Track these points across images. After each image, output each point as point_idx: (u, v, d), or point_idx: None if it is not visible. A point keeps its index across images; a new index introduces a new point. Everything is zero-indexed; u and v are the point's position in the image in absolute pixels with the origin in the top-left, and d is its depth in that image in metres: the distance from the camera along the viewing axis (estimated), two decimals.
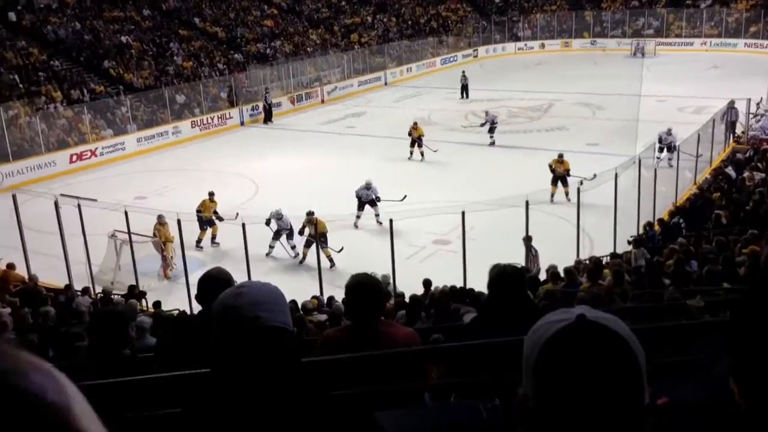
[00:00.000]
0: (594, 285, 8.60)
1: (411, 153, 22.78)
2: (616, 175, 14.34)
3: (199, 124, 28.76)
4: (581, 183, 14.19)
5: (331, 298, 11.99)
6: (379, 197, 16.85)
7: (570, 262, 11.73)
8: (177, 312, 11.71)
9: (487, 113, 25.34)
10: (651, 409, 1.02)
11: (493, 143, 24.35)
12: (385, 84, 38.70)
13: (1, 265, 13.75)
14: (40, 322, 9.24)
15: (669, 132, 20.41)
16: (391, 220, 13.28)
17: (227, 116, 29.94)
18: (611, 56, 44.45)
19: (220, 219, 16.25)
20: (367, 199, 16.76)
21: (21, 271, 13.76)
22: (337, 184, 20.06)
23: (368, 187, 16.83)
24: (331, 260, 14.79)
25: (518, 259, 13.24)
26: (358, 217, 16.73)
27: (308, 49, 38.39)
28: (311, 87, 34.92)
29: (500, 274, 3.25)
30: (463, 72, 34.66)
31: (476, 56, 46.68)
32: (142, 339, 7.38)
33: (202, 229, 16.31)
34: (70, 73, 28.75)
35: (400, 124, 28.40)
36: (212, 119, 29.35)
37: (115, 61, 30.37)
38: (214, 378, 1.46)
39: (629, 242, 13.56)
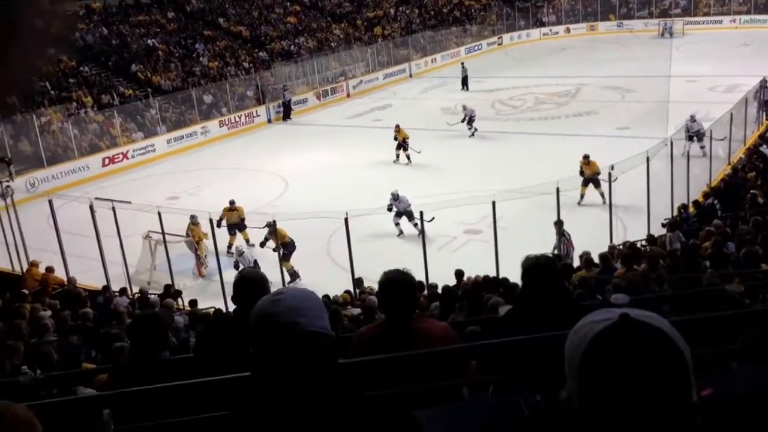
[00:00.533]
0: (629, 270, 8.51)
1: (397, 156, 21.86)
2: (648, 159, 14.14)
3: (227, 123, 28.97)
4: (612, 168, 14.01)
5: (362, 291, 12.03)
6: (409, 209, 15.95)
7: (603, 247, 11.61)
8: (213, 309, 11.85)
9: (465, 108, 25.08)
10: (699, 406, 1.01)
11: (473, 134, 24.22)
12: (410, 76, 38.57)
13: (41, 269, 14.03)
14: (80, 324, 9.41)
15: (693, 119, 19.55)
16: (421, 212, 13.27)
17: (254, 114, 30.12)
18: (638, 38, 43.79)
19: (244, 227, 16.15)
20: (402, 209, 16.06)
21: (59, 274, 14.03)
22: (366, 178, 20.13)
23: (396, 198, 16.14)
24: (292, 274, 14.35)
25: (551, 246, 13.15)
26: (397, 224, 16.12)
27: (332, 44, 38.42)
28: (336, 82, 34.96)
29: (534, 266, 3.22)
30: (462, 64, 34.24)
31: (501, 44, 46.30)
32: (178, 338, 7.50)
33: (231, 234, 16.27)
34: (99, 78, 29.15)
35: (427, 115, 28.37)
36: (240, 118, 29.55)
37: (142, 65, 30.72)
38: (254, 382, 1.48)
39: (663, 225, 13.37)
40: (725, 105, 20.11)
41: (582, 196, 16.85)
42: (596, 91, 29.86)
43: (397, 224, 16.00)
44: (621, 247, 11.92)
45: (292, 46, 36.83)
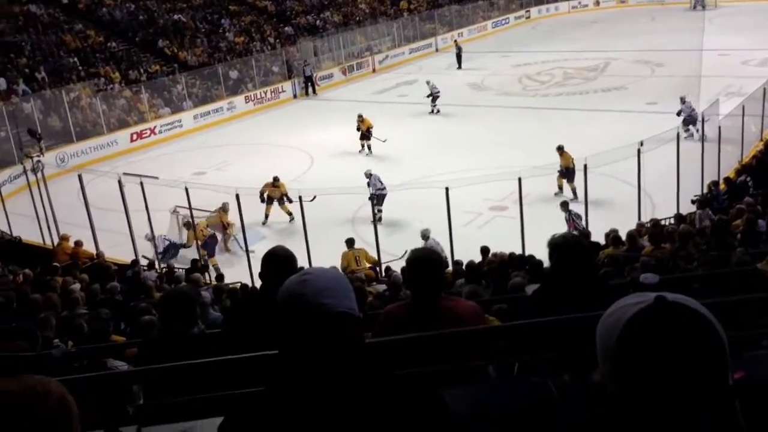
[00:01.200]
0: (657, 248, 8.42)
1: (362, 146, 21.11)
2: (678, 135, 13.92)
3: (252, 98, 29.02)
4: (641, 144, 13.80)
5: (387, 269, 12.06)
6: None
7: (631, 225, 11.49)
8: (239, 284, 11.96)
9: (428, 82, 25.20)
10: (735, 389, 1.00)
11: (434, 111, 24.21)
12: (437, 50, 38.23)
13: (70, 243, 14.24)
14: (109, 297, 9.54)
15: (682, 100, 19.15)
16: (447, 188, 13.21)
17: (280, 90, 30.13)
18: (670, 10, 42.90)
19: (290, 200, 15.95)
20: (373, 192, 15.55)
21: (89, 248, 14.25)
22: (391, 154, 20.07)
23: (369, 176, 15.85)
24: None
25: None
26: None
27: (358, 18, 38.16)
28: (362, 57, 34.77)
29: (562, 244, 3.19)
30: (455, 41, 33.69)
31: (528, 17, 45.66)
32: (205, 314, 7.57)
33: (268, 203, 16.36)
34: (126, 53, 29.30)
35: (454, 90, 28.15)
36: (265, 93, 29.57)
37: (169, 40, 30.80)
38: (282, 360, 1.48)
39: (693, 202, 13.20)
40: (759, 79, 19.67)
41: (560, 187, 16.04)
42: (625, 65, 29.38)
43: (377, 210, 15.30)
44: (648, 224, 11.80)
45: (318, 21, 36.66)
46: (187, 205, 14.78)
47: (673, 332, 0.97)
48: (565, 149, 16.04)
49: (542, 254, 8.66)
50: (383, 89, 30.39)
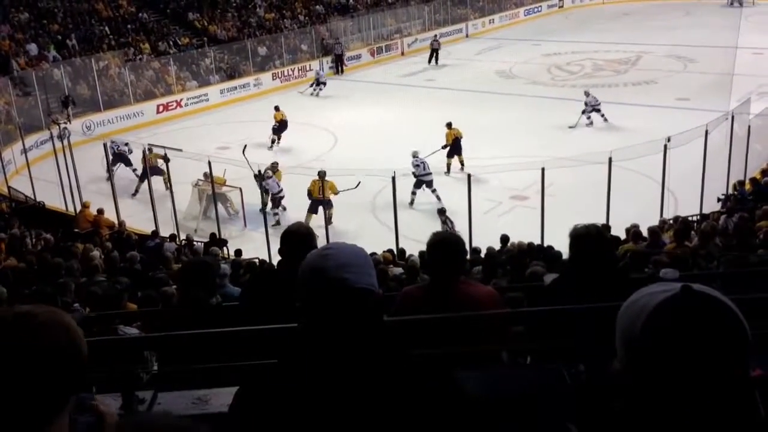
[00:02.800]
0: (679, 246, 8.34)
1: (272, 140, 20.47)
2: (706, 132, 13.72)
3: (279, 76, 29.01)
4: (668, 140, 13.63)
5: (402, 252, 12.05)
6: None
7: (653, 221, 11.38)
8: (257, 260, 12.03)
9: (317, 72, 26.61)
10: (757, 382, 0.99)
11: (314, 93, 25.57)
12: (467, 36, 37.93)
13: (92, 210, 14.39)
14: (128, 266, 9.65)
15: (587, 94, 20.61)
16: (469, 175, 13.16)
17: (307, 68, 30.07)
18: (705, 5, 42.17)
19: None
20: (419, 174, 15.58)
21: (110, 216, 14.40)
22: (416, 138, 19.97)
23: (415, 157, 15.79)
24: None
25: (599, 217, 12.94)
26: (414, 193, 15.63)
27: (389, 0, 37.94)
28: (391, 39, 34.59)
29: (583, 235, 3.16)
30: (436, 36, 32.84)
31: (562, 6, 45.14)
32: (222, 287, 7.62)
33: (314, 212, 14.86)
34: (157, 25, 29.40)
35: (481, 77, 27.97)
36: (293, 71, 29.56)
37: (199, 13, 30.85)
38: (301, 334, 1.49)
39: (719, 200, 13.04)
40: None
41: (448, 169, 17.20)
42: (658, 59, 28.98)
43: (413, 192, 15.41)
44: (671, 221, 11.67)
45: (350, 1, 36.51)
46: (209, 179, 14.90)
47: (698, 321, 0.97)
48: (453, 126, 17.23)
49: (561, 246, 8.62)
50: (411, 72, 30.25)
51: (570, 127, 20.08)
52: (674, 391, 0.98)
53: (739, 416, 0.98)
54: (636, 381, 1.01)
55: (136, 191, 16.59)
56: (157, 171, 16.02)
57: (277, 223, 14.58)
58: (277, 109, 20.85)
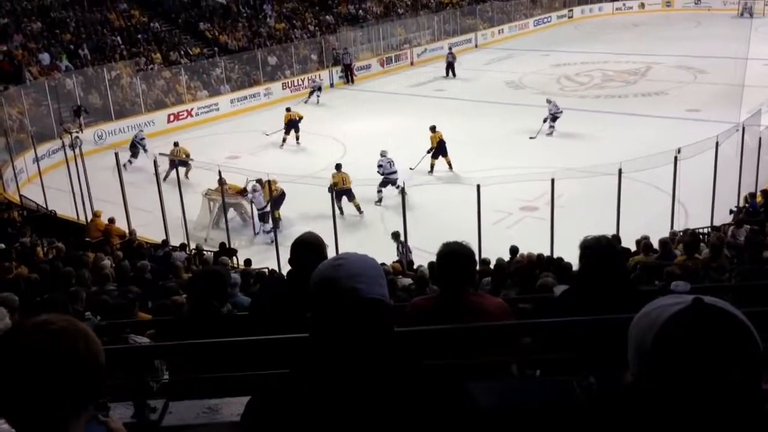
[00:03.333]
0: (690, 258, 8.30)
1: (283, 140, 21.52)
2: (717, 144, 13.68)
3: (290, 85, 29.14)
4: (678, 152, 13.60)
5: (411, 263, 12.07)
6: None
7: (663, 233, 11.34)
8: (267, 270, 12.05)
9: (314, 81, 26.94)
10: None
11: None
12: (476, 46, 38.02)
13: (103, 219, 14.47)
14: (138, 275, 9.68)
15: (548, 101, 21.24)
16: (478, 186, 13.16)
17: (318, 78, 30.19)
18: (716, 16, 42.14)
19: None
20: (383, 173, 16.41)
21: (121, 225, 14.47)
22: (425, 148, 20.01)
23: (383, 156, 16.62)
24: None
25: (609, 228, 12.90)
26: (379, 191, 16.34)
27: (399, 10, 38.09)
28: (401, 49, 34.71)
29: (594, 246, 3.16)
30: (450, 48, 32.59)
31: (571, 17, 45.18)
32: (233, 296, 7.64)
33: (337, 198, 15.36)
34: (168, 35, 29.62)
35: (490, 87, 28.00)
36: (302, 81, 29.67)
37: (210, 23, 31.06)
38: (312, 344, 1.50)
39: (731, 212, 12.98)
40: None
41: (432, 168, 18.05)
42: (667, 70, 28.94)
43: (379, 191, 16.13)
44: (681, 233, 11.63)
45: (360, 11, 36.67)
46: (219, 188, 14.97)
47: (710, 334, 0.98)
48: (437, 129, 18.04)
49: (571, 257, 8.60)
50: (420, 83, 30.32)
51: (531, 138, 20.53)
52: (686, 403, 0.99)
53: (752, 429, 0.98)
54: (648, 393, 1.02)
55: (166, 176, 17.26)
56: (183, 163, 17.78)
57: (272, 241, 14.41)
58: (288, 110, 22.02)
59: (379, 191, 16.07)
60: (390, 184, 15.94)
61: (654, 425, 1.02)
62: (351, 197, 15.65)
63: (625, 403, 1.04)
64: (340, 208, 15.27)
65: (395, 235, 13.27)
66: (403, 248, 13.08)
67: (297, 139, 21.75)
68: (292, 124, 21.76)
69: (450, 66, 30.87)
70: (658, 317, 1.02)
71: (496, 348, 2.89)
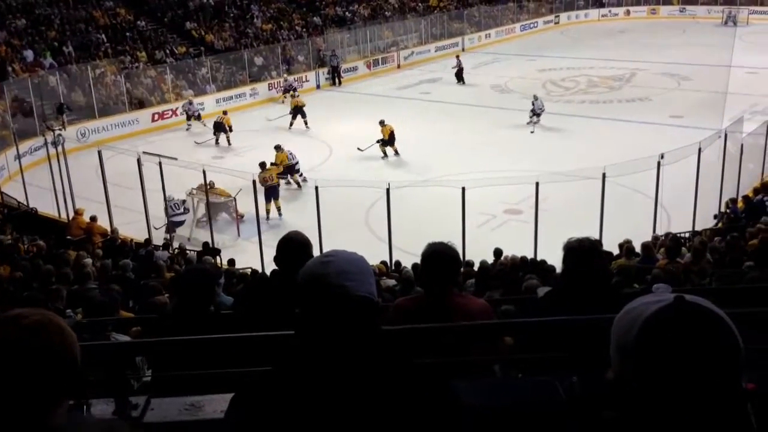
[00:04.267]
0: (671, 262, 8.37)
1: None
2: (699, 150, 13.81)
3: (276, 86, 29.06)
4: (662, 157, 13.72)
5: (398, 264, 12.05)
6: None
7: (646, 237, 11.42)
8: (250, 270, 12.00)
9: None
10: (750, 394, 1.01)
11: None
12: (463, 50, 38.07)
13: (85, 217, 14.34)
14: (120, 274, 9.62)
15: (536, 97, 22.49)
16: (463, 188, 13.19)
17: (304, 79, 30.15)
18: (701, 24, 42.55)
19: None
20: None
21: (103, 223, 14.36)
22: (411, 151, 20.05)
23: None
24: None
25: (592, 232, 12.97)
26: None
27: (386, 13, 38.12)
28: (388, 52, 34.73)
29: (577, 248, 3.17)
30: (458, 56, 31.61)
31: (557, 23, 45.43)
32: (216, 296, 7.60)
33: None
34: (154, 33, 29.45)
35: (476, 91, 28.08)
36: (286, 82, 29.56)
37: (197, 23, 30.92)
38: (298, 341, 1.49)
39: (715, 217, 13.10)
40: None
41: (385, 154, 19.85)
42: (652, 77, 29.19)
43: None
44: (663, 237, 11.71)
45: (347, 13, 36.66)
46: (203, 188, 14.89)
47: (691, 331, 0.98)
48: (386, 123, 19.81)
49: (554, 260, 8.64)
50: (406, 85, 30.35)
51: (531, 132, 21.78)
52: (667, 400, 0.99)
53: (732, 428, 0.99)
54: (629, 390, 1.02)
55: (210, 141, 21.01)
56: (223, 129, 21.70)
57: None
58: (293, 95, 25.08)
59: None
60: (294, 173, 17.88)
61: (636, 422, 1.03)
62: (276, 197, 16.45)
63: (607, 400, 1.05)
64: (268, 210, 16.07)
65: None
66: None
67: (305, 124, 23.37)
68: (297, 110, 23.36)
69: (460, 72, 30.27)
70: (640, 315, 1.02)
71: (479, 349, 2.89)
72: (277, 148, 17.72)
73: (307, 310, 1.48)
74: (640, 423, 1.00)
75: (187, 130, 24.15)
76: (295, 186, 17.93)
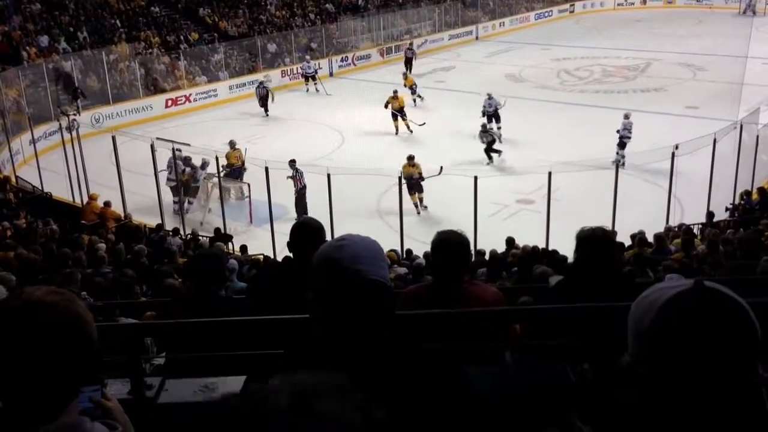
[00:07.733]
0: (686, 254, 8.34)
1: (397, 129, 21.08)
2: (714, 141, 13.72)
3: (288, 73, 29.04)
4: (676, 147, 13.63)
5: (409, 252, 12.06)
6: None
7: (659, 228, 11.38)
8: (262, 256, 12.06)
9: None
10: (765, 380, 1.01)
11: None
12: (477, 38, 37.92)
13: (99, 202, 14.44)
14: (133, 259, 9.69)
15: (490, 97, 20.54)
16: (475, 177, 13.17)
17: (318, 66, 30.07)
18: (718, 14, 42.10)
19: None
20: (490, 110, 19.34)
21: (117, 209, 14.45)
22: (423, 139, 20.02)
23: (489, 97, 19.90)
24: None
25: (605, 223, 12.91)
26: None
27: (400, 1, 37.95)
28: (401, 39, 34.58)
29: (590, 237, 3.17)
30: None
31: (572, 11, 45.07)
32: (230, 281, 7.65)
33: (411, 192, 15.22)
34: (168, 19, 29.47)
35: (490, 80, 27.94)
36: (302, 69, 29.53)
37: (211, 9, 30.91)
38: (311, 325, 1.50)
39: (727, 209, 13.02)
40: None
41: (397, 129, 20.74)
42: (667, 67, 28.93)
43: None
44: (676, 228, 11.67)
45: (360, 1, 36.53)
46: (216, 174, 14.95)
47: (709, 316, 0.99)
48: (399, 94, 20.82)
49: (566, 250, 8.62)
50: (419, 74, 30.19)
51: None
52: (682, 384, 1.00)
53: (747, 413, 1.00)
54: (645, 374, 1.03)
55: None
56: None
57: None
58: (396, 94, 21.61)
59: None
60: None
61: (650, 407, 1.04)
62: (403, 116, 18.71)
63: (622, 385, 1.06)
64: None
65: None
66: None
67: (407, 126, 21.25)
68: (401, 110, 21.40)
69: (408, 61, 29.35)
70: (658, 299, 1.03)
71: (491, 336, 2.90)
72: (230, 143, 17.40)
73: (321, 293, 1.49)
74: (655, 406, 1.01)
75: (308, 91, 26.51)
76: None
